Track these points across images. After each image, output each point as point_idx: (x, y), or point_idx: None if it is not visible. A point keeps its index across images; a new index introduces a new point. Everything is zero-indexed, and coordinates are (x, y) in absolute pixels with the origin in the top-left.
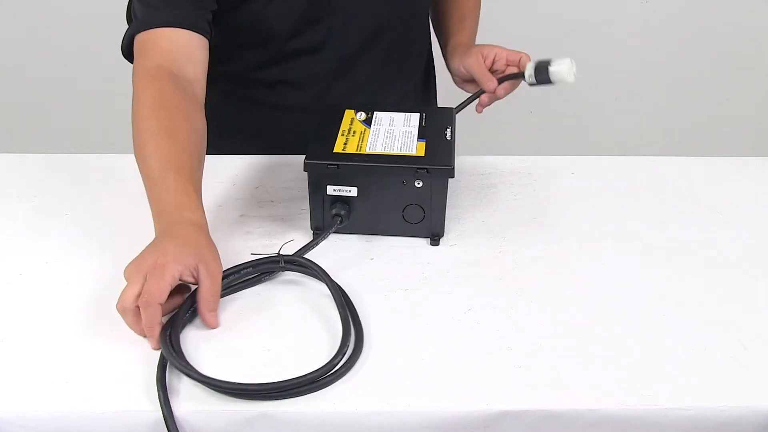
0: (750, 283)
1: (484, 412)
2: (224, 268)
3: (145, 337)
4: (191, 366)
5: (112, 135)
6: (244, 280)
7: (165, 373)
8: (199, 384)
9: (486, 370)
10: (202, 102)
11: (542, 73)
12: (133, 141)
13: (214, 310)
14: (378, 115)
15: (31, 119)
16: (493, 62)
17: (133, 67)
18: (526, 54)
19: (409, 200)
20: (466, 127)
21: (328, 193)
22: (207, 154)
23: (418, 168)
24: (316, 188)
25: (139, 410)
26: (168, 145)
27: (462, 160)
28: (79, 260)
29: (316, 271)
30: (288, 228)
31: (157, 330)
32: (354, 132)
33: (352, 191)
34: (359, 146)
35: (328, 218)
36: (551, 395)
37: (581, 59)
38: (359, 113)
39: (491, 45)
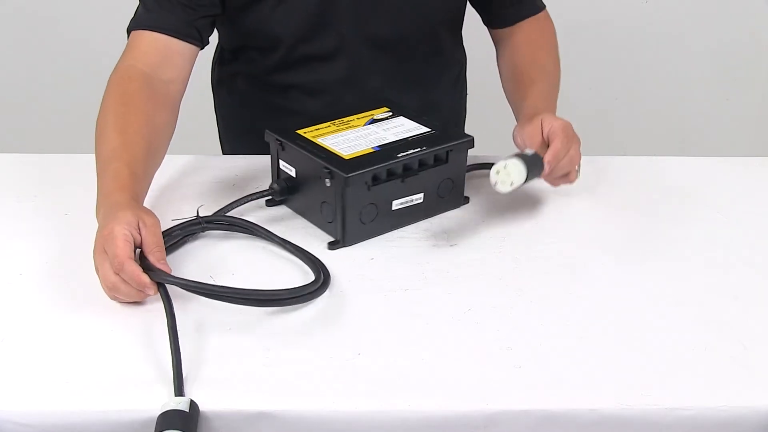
0: (750, 283)
1: (484, 412)
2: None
3: (145, 297)
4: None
5: None
6: (173, 243)
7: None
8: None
9: (486, 370)
10: (174, 102)
11: None
12: (96, 123)
13: (163, 259)
14: (394, 120)
15: (31, 119)
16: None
17: (116, 64)
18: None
19: (323, 197)
20: (466, 128)
21: (279, 166)
22: (228, 153)
23: (324, 166)
24: (273, 159)
25: (139, 410)
26: (116, 139)
27: None
28: (79, 260)
29: (243, 226)
30: (288, 227)
31: (145, 278)
32: (344, 124)
33: (292, 171)
34: (320, 135)
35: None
36: (551, 395)
37: (581, 59)
38: (385, 113)
39: (554, 117)
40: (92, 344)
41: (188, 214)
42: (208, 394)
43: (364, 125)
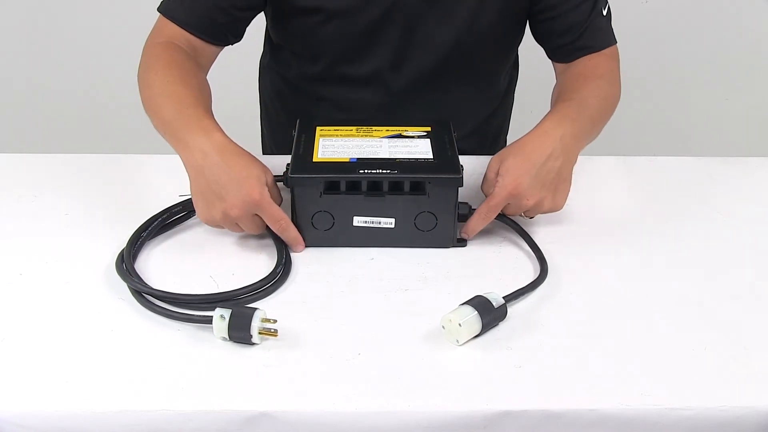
0: (750, 283)
1: (484, 412)
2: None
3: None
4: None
5: (113, 135)
6: (175, 219)
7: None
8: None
9: (486, 370)
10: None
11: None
12: (143, 95)
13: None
14: (416, 141)
15: (31, 119)
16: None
17: (146, 40)
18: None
19: None
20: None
21: None
22: (267, 136)
23: (288, 162)
24: None
25: (139, 410)
26: (181, 91)
27: (463, 160)
28: (79, 260)
29: None
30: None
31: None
32: (365, 132)
33: None
34: (327, 135)
35: None
36: (551, 395)
37: None
38: (421, 131)
39: (516, 163)
40: (92, 344)
41: None
42: (208, 394)
43: (381, 137)
